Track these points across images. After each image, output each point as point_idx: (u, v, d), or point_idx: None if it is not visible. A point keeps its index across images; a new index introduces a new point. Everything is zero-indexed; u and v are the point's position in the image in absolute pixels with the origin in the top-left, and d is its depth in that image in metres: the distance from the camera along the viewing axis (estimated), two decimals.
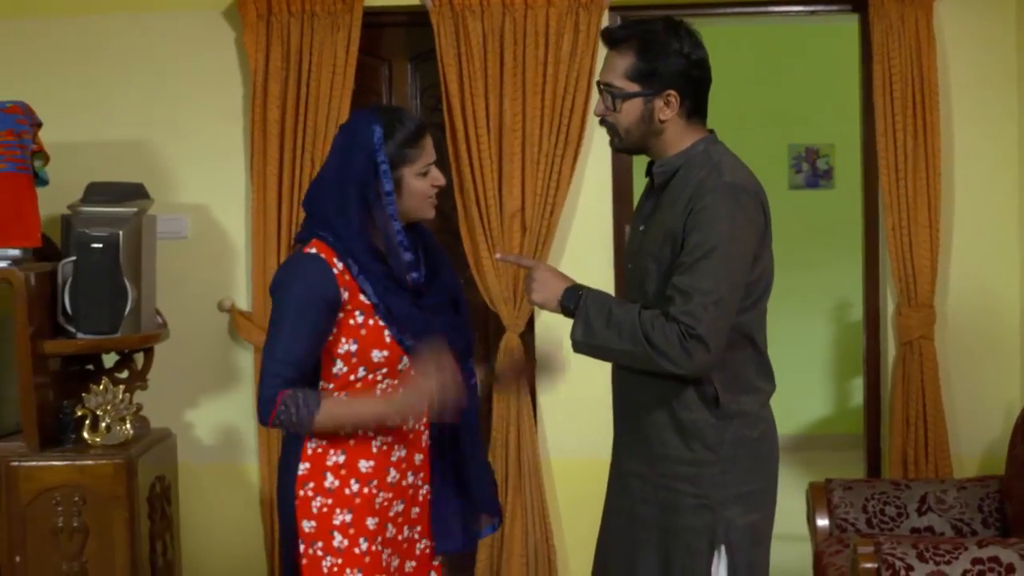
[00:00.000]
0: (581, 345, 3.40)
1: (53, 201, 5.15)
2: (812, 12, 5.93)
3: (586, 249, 5.71)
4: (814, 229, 8.90)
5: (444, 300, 3.55)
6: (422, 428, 3.52)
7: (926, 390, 5.54)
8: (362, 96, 5.72)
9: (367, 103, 5.66)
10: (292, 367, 3.32)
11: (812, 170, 9.31)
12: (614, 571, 3.58)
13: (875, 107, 5.57)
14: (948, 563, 4.23)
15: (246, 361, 5.78)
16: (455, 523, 3.62)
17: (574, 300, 3.42)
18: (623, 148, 3.55)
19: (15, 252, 4.98)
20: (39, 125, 5.08)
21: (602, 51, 5.41)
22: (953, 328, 5.68)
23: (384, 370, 3.44)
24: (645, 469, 3.48)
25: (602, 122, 3.51)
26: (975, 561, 4.23)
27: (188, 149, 5.59)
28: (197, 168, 5.64)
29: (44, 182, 5.12)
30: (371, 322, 3.40)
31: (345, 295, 3.37)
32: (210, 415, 5.77)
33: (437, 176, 3.46)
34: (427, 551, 3.62)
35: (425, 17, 5.62)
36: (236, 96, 5.80)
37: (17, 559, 4.87)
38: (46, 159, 5.12)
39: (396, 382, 3.46)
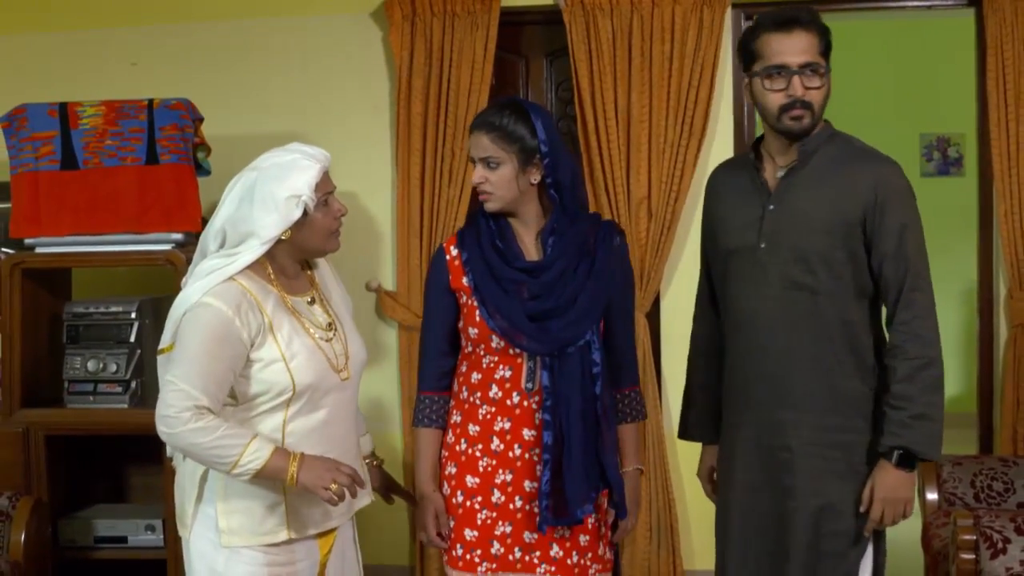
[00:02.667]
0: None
1: (216, 189, 5.19)
2: (930, 7, 5.86)
3: None
4: (945, 215, 8.75)
5: (552, 301, 3.48)
6: (532, 405, 3.49)
7: None
8: (500, 90, 5.78)
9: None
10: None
11: (943, 158, 9.14)
12: (759, 544, 3.47)
13: (988, 97, 5.46)
14: None
15: (391, 337, 5.86)
16: (572, 499, 3.47)
17: (918, 459, 3.36)
18: (808, 128, 3.37)
19: (178, 236, 5.13)
20: (201, 120, 5.19)
21: (726, 47, 5.48)
22: None
23: (481, 346, 3.52)
24: (799, 442, 3.39)
25: (799, 104, 3.31)
26: None
27: (338, 140, 5.60)
28: (346, 158, 5.61)
29: (207, 172, 5.24)
30: (470, 302, 3.52)
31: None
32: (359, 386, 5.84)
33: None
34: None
35: (559, 16, 5.64)
36: (383, 91, 5.87)
37: None
38: (208, 151, 5.25)
39: (497, 359, 3.51)
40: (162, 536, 5.18)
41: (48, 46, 5.98)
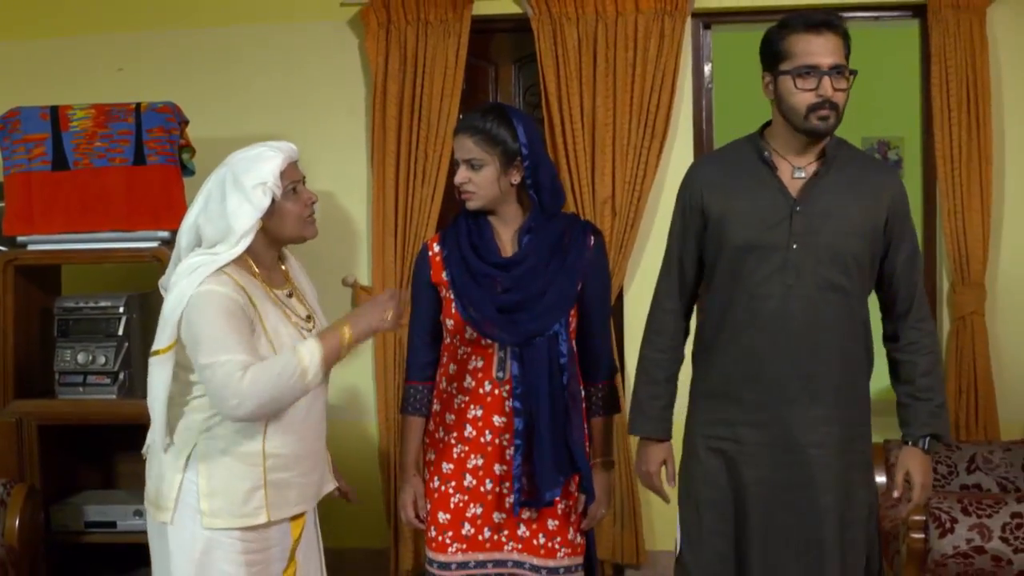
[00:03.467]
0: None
1: (198, 189, 5.28)
2: (877, 18, 5.95)
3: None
4: None
5: (521, 294, 3.59)
6: (503, 393, 3.60)
7: (976, 361, 5.58)
8: (471, 95, 5.87)
9: (476, 101, 5.83)
10: None
11: (884, 160, 9.28)
12: (784, 538, 3.45)
13: (933, 103, 5.60)
14: (989, 516, 4.32)
15: None
16: (541, 482, 3.57)
17: (938, 442, 3.53)
18: (832, 128, 3.40)
19: (165, 234, 5.22)
20: (186, 122, 5.27)
21: (686, 53, 5.61)
22: (1002, 304, 5.69)
23: (457, 337, 3.65)
24: (830, 437, 3.42)
25: (828, 105, 3.33)
26: (1014, 515, 4.33)
27: (316, 142, 5.66)
28: (324, 159, 5.71)
29: (191, 172, 5.32)
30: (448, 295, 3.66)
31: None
32: (335, 377, 5.87)
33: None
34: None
35: (527, 24, 5.73)
36: (359, 95, 5.95)
37: None
38: (193, 152, 5.32)
39: (470, 350, 3.64)
40: None
41: (40, 52, 6.02)
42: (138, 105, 5.17)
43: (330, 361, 3.27)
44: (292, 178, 3.39)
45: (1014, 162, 5.68)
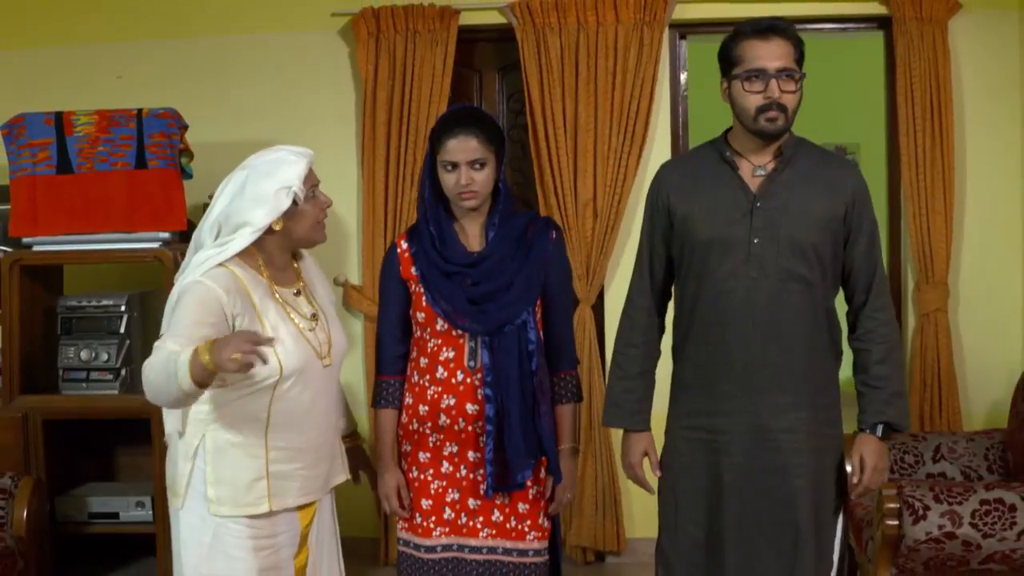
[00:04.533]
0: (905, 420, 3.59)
1: (197, 192, 5.33)
2: (843, 29, 6.04)
3: None
4: None
5: (492, 285, 3.64)
6: (475, 382, 3.62)
7: (940, 356, 5.68)
8: (456, 101, 5.86)
9: None
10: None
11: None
12: (760, 522, 3.48)
13: (898, 111, 5.70)
14: (960, 504, 4.30)
15: (357, 327, 5.97)
16: (513, 466, 3.62)
17: (892, 429, 3.55)
18: (782, 129, 3.44)
19: (165, 235, 5.25)
20: (186, 127, 5.30)
21: (663, 63, 5.69)
22: (964, 302, 5.81)
23: (427, 330, 3.70)
24: (800, 422, 3.46)
25: (775, 107, 3.38)
26: (983, 502, 4.30)
27: (308, 146, 5.49)
28: (316, 163, 5.63)
29: (189, 176, 5.35)
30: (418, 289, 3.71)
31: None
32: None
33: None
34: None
35: (511, 33, 5.80)
36: (349, 102, 6.01)
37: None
38: (191, 156, 5.36)
39: (440, 342, 3.68)
40: (151, 512, 5.30)
41: (44, 60, 6.03)
42: (140, 111, 5.20)
43: (196, 373, 2.94)
44: (312, 182, 3.44)
45: (975, 167, 5.79)
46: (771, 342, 3.46)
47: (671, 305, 3.77)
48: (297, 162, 3.38)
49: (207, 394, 3.28)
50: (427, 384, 3.68)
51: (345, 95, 6.01)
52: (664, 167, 3.79)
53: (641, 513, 5.87)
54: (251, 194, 3.32)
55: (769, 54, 3.38)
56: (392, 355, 3.77)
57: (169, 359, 2.99)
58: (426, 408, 3.67)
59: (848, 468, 3.56)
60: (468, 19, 5.84)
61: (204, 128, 5.59)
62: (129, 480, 5.72)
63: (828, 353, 3.56)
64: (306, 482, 3.44)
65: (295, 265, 3.56)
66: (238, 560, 3.35)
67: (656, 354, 3.74)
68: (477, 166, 3.59)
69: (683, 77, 6.00)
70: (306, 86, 6.01)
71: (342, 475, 3.68)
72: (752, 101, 3.40)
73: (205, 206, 5.31)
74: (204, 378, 2.96)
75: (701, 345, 3.57)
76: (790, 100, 3.41)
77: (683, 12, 5.81)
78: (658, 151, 5.86)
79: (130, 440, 5.66)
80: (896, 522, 4.41)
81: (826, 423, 3.53)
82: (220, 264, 3.30)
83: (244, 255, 3.35)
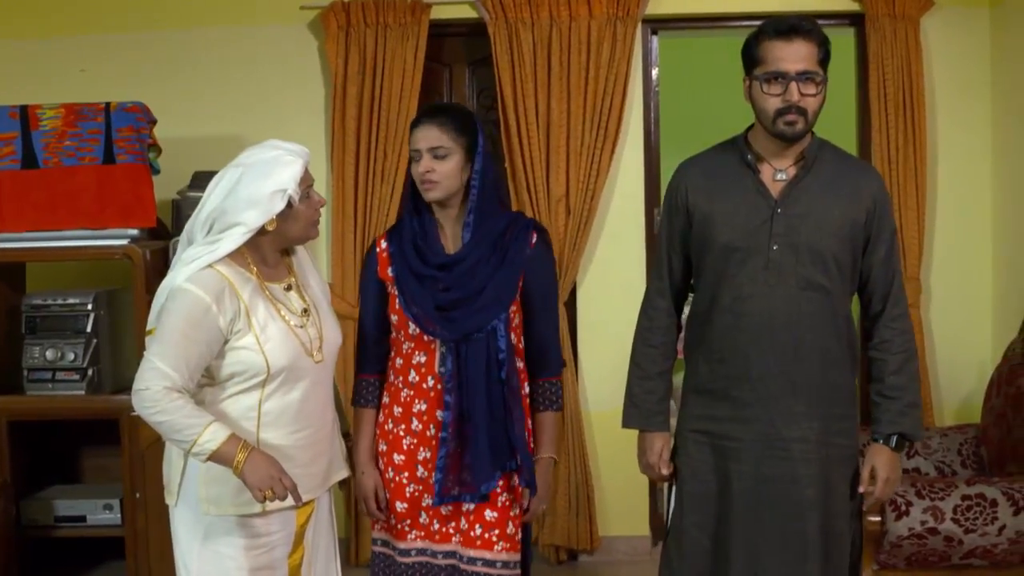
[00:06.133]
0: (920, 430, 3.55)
1: (165, 188, 5.26)
2: None
3: (622, 228, 5.85)
4: None
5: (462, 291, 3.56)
6: (444, 389, 3.55)
7: None
8: (427, 96, 5.84)
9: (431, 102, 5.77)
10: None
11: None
12: (769, 531, 3.43)
13: (870, 108, 5.69)
14: (942, 499, 4.34)
15: None
16: (476, 475, 3.53)
17: (908, 441, 3.51)
18: (801, 133, 3.38)
19: (134, 232, 5.13)
20: (154, 122, 5.19)
21: (636, 58, 5.63)
22: (936, 298, 5.81)
23: (401, 332, 3.62)
24: (812, 432, 3.41)
25: (795, 110, 3.31)
26: (964, 497, 4.34)
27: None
28: None
29: (157, 171, 5.23)
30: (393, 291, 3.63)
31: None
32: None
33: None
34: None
35: (483, 28, 5.74)
36: (319, 96, 5.91)
37: (137, 495, 5.02)
38: (159, 151, 5.24)
39: (413, 345, 3.61)
40: (119, 515, 5.21)
41: (7, 53, 5.89)
42: (108, 105, 5.07)
43: (216, 458, 3.13)
44: (307, 182, 3.36)
45: (946, 163, 5.80)
46: (787, 350, 3.40)
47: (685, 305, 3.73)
48: (293, 162, 3.29)
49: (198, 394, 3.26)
50: (401, 386, 3.62)
51: (315, 90, 5.92)
52: (684, 166, 3.66)
53: (614, 511, 5.84)
54: (245, 195, 3.23)
55: (790, 56, 3.29)
56: (372, 354, 3.70)
57: (193, 425, 3.11)
58: (400, 410, 3.61)
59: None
60: (439, 13, 5.78)
61: (171, 123, 5.46)
62: (96, 482, 5.60)
63: (844, 363, 3.49)
64: (302, 480, 3.35)
65: (287, 260, 3.49)
66: (229, 559, 3.31)
67: (674, 354, 3.68)
68: (438, 155, 3.49)
69: (655, 73, 5.94)
70: (275, 80, 5.91)
71: (343, 472, 3.62)
72: (771, 104, 3.33)
73: (173, 202, 5.24)
74: (219, 463, 3.14)
75: (715, 350, 3.50)
76: (811, 103, 3.33)
77: (655, 7, 5.75)
78: (631, 147, 5.83)
79: (97, 441, 5.55)
80: (879, 518, 4.42)
81: (839, 433, 3.46)
82: (209, 265, 3.23)
83: (234, 252, 3.27)
